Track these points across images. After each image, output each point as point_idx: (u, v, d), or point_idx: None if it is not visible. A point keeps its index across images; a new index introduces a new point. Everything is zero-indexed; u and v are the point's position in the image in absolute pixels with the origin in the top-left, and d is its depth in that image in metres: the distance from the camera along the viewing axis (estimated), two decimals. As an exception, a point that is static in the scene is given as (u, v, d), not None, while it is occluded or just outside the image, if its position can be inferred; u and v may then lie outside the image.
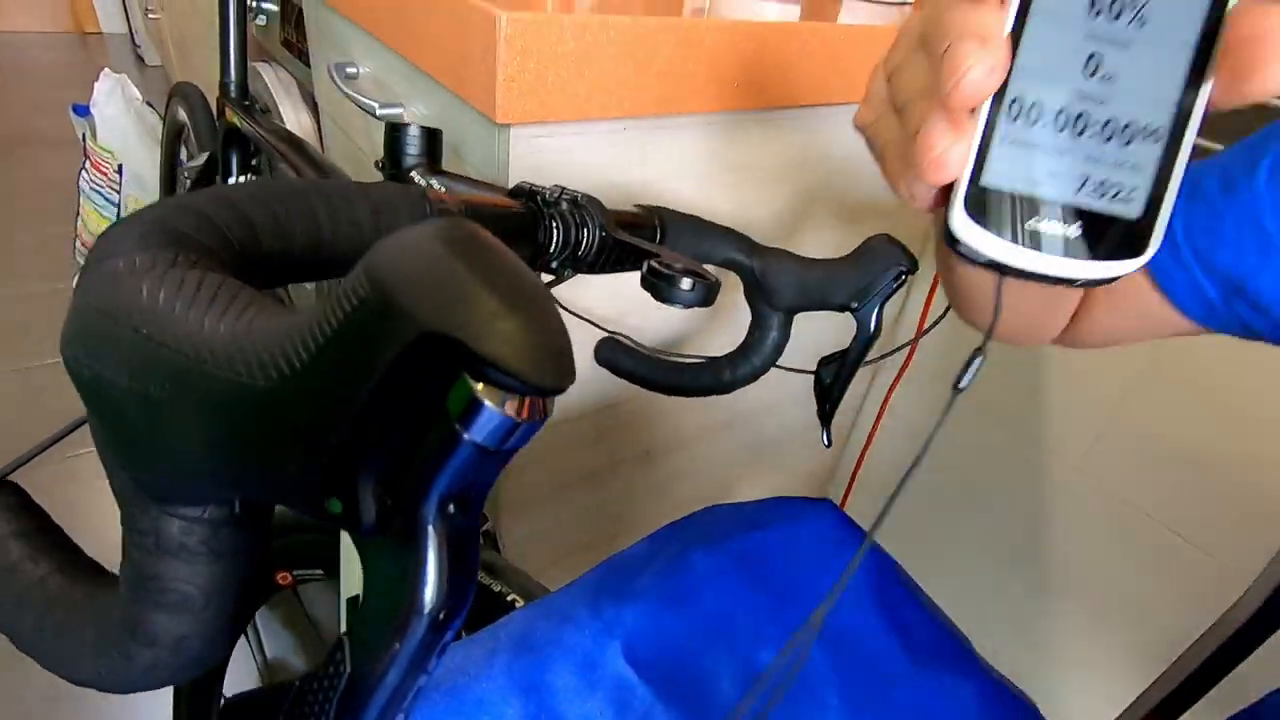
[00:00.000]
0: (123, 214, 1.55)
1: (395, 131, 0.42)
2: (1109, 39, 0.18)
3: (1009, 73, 0.18)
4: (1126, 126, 0.18)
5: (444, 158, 0.44)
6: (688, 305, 0.35)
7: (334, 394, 0.12)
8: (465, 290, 0.11)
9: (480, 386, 0.12)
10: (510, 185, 0.55)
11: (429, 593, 0.14)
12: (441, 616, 0.14)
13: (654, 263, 0.36)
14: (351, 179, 0.62)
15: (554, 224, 0.37)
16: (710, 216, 0.70)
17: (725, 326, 0.77)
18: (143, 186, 1.57)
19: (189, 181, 0.97)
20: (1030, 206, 0.18)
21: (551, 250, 0.37)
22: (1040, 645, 0.94)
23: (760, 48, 0.58)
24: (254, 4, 0.96)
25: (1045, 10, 0.17)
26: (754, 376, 0.55)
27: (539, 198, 0.38)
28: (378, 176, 0.80)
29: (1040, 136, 0.18)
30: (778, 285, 0.54)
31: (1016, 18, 0.18)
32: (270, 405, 0.13)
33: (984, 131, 0.18)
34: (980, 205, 0.18)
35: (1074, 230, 0.18)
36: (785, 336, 0.55)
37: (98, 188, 1.56)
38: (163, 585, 0.17)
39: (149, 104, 1.64)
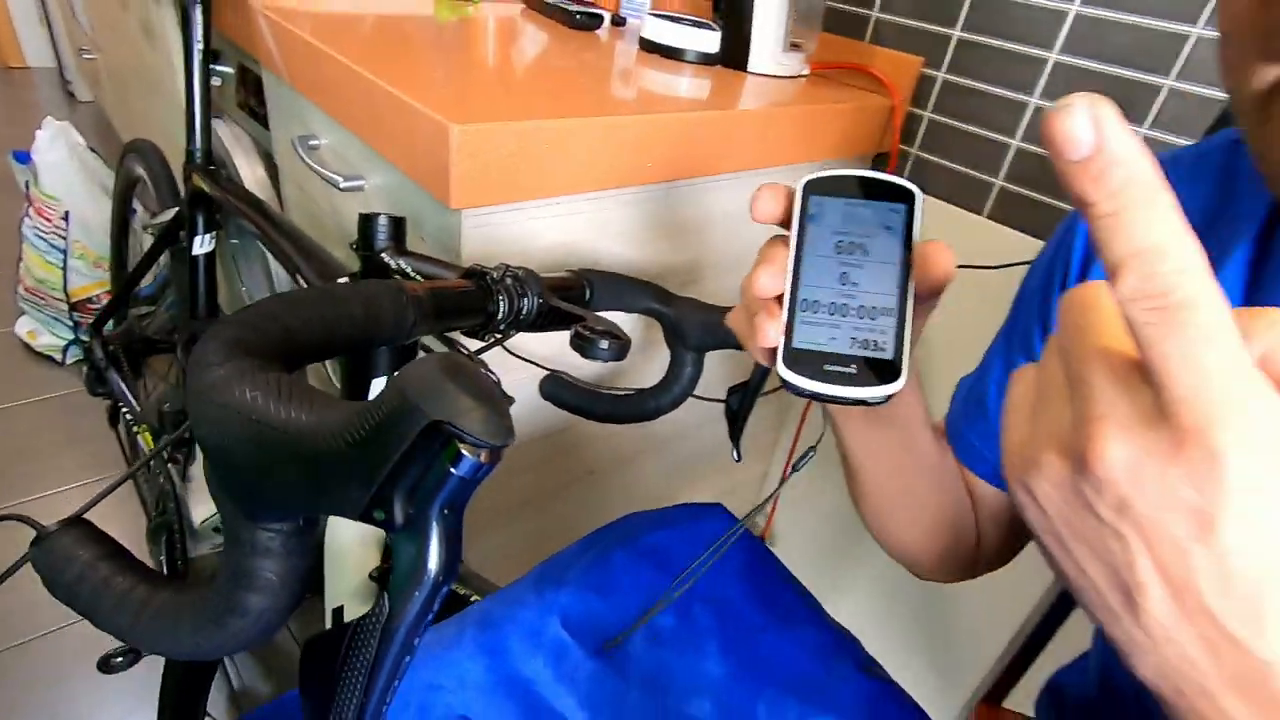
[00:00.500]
0: (71, 260, 1.58)
1: (367, 221, 0.51)
2: (851, 264, 0.31)
3: (799, 284, 0.32)
4: (871, 308, 0.31)
5: (406, 231, 0.53)
6: (606, 360, 0.46)
7: (383, 454, 0.22)
8: (453, 397, 0.21)
9: (463, 446, 0.22)
10: (463, 253, 0.65)
11: (434, 561, 0.23)
12: (441, 578, 0.24)
13: (579, 327, 0.46)
14: (314, 240, 0.70)
15: (500, 297, 0.47)
16: (634, 272, 0.81)
17: (651, 362, 0.88)
18: (90, 234, 1.59)
19: (152, 236, 1.03)
20: (823, 358, 0.31)
21: (499, 318, 0.47)
22: (942, 670, 1.08)
23: (667, 134, 0.70)
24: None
25: (812, 253, 0.32)
26: (674, 405, 0.65)
27: (487, 277, 0.48)
28: (337, 232, 0.89)
29: (821, 319, 0.31)
30: (689, 329, 0.65)
31: (797, 257, 0.32)
32: (344, 460, 0.22)
33: (789, 319, 0.31)
34: (794, 360, 0.31)
35: (853, 370, 0.31)
36: (698, 371, 0.65)
37: (42, 234, 1.58)
38: (255, 575, 0.26)
39: (93, 150, 1.66)
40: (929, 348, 0.98)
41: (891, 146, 0.95)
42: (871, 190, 0.33)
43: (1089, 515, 0.20)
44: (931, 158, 0.95)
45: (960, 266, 0.89)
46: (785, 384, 0.32)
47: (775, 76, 0.94)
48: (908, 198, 0.33)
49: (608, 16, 1.10)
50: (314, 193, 0.89)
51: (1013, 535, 0.52)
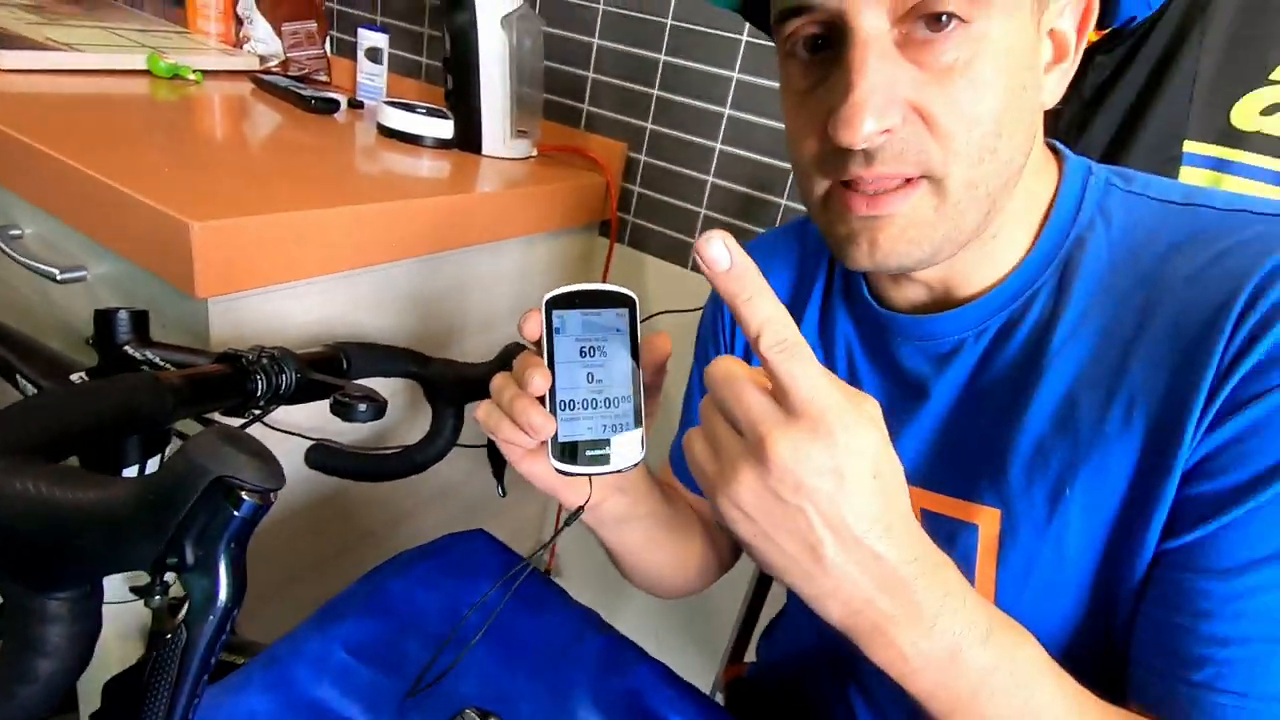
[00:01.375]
0: None
1: (106, 317, 0.52)
2: (594, 365, 0.41)
3: (556, 389, 0.39)
4: (615, 398, 0.41)
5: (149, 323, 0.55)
6: (365, 421, 0.53)
7: (174, 510, 0.28)
8: (232, 455, 0.28)
9: (243, 492, 0.29)
10: (213, 339, 0.67)
11: (224, 590, 0.30)
12: (231, 604, 0.30)
13: (337, 395, 0.53)
14: (32, 337, 0.67)
15: (257, 377, 0.51)
16: (392, 339, 0.88)
17: (417, 421, 0.94)
18: None
19: None
20: (587, 444, 0.40)
21: (257, 396, 0.52)
22: (712, 651, 1.25)
23: (413, 215, 0.79)
24: None
25: (563, 360, 0.41)
26: (439, 457, 0.71)
27: (243, 359, 0.52)
28: (55, 325, 0.83)
29: (578, 414, 0.41)
30: (446, 386, 0.73)
31: (550, 365, 0.40)
32: (136, 522, 0.28)
33: (557, 416, 0.40)
34: (561, 452, 0.40)
35: (611, 450, 0.41)
36: (460, 423, 0.72)
37: None
38: (44, 641, 0.30)
39: None
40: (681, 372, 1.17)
41: (611, 216, 1.13)
42: (600, 300, 0.41)
43: (778, 502, 0.29)
44: (645, 223, 1.15)
45: (674, 311, 1.08)
46: (558, 471, 0.41)
47: (506, 159, 1.08)
48: (629, 302, 0.41)
49: (344, 101, 1.16)
50: (16, 284, 0.83)
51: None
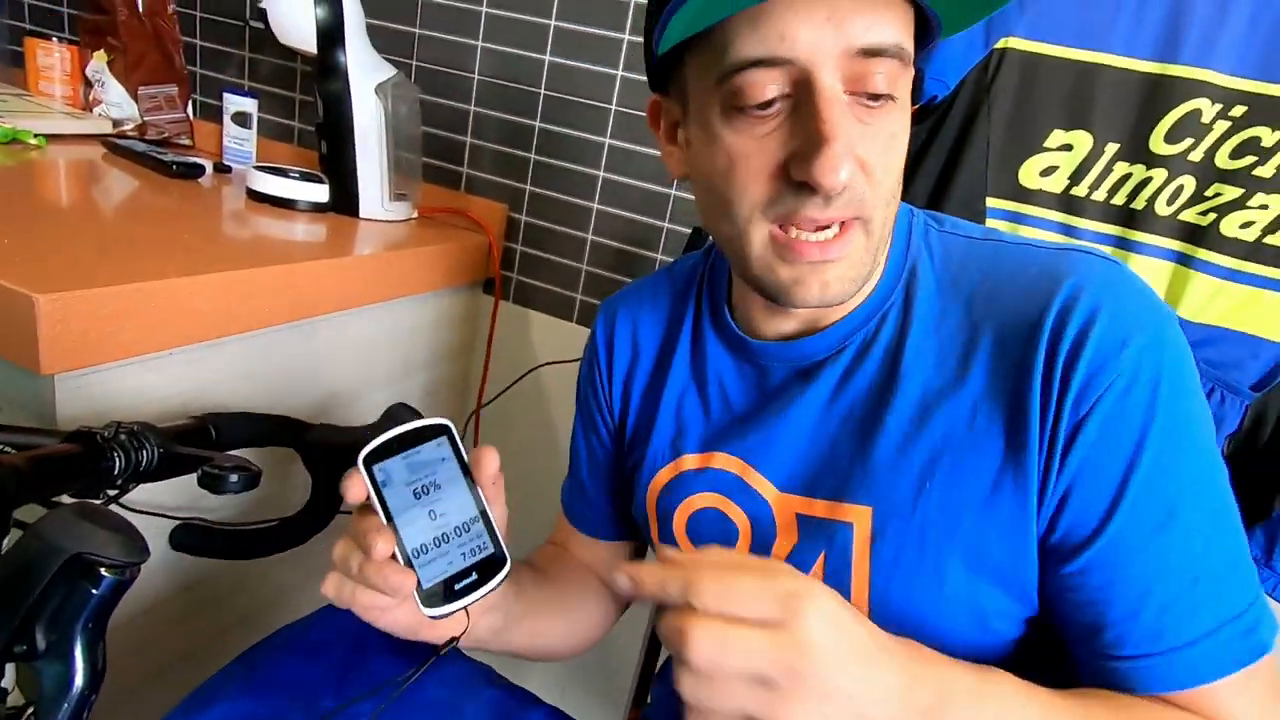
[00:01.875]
0: None
1: (-69, 400, 0.49)
2: (431, 501, 0.41)
3: (403, 540, 0.39)
4: (463, 524, 0.42)
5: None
6: (238, 492, 0.51)
7: (23, 594, 0.27)
8: (89, 531, 0.28)
9: (103, 568, 0.28)
10: (61, 417, 0.63)
11: (80, 676, 0.28)
12: (87, 691, 0.29)
13: (206, 467, 0.51)
14: None
15: (114, 454, 0.48)
16: (268, 407, 0.85)
17: (298, 491, 0.90)
18: None
19: None
20: (452, 579, 0.40)
21: (116, 474, 0.49)
22: (616, 701, 1.25)
23: (287, 280, 0.78)
24: None
25: (400, 510, 0.40)
26: (323, 526, 0.69)
27: (97, 436, 0.49)
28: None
29: (433, 555, 0.40)
30: (326, 452, 0.71)
31: (389, 519, 0.39)
32: None
33: (414, 566, 0.40)
34: (429, 597, 0.40)
35: (476, 575, 0.41)
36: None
37: None
38: None
39: None
40: (552, 430, 1.19)
41: (494, 274, 1.16)
42: (416, 438, 0.41)
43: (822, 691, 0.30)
44: (529, 280, 1.18)
45: (559, 362, 1.11)
46: (430, 618, 0.41)
47: (386, 221, 1.08)
48: (445, 430, 0.42)
49: (210, 165, 1.13)
50: None
51: None
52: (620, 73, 1.04)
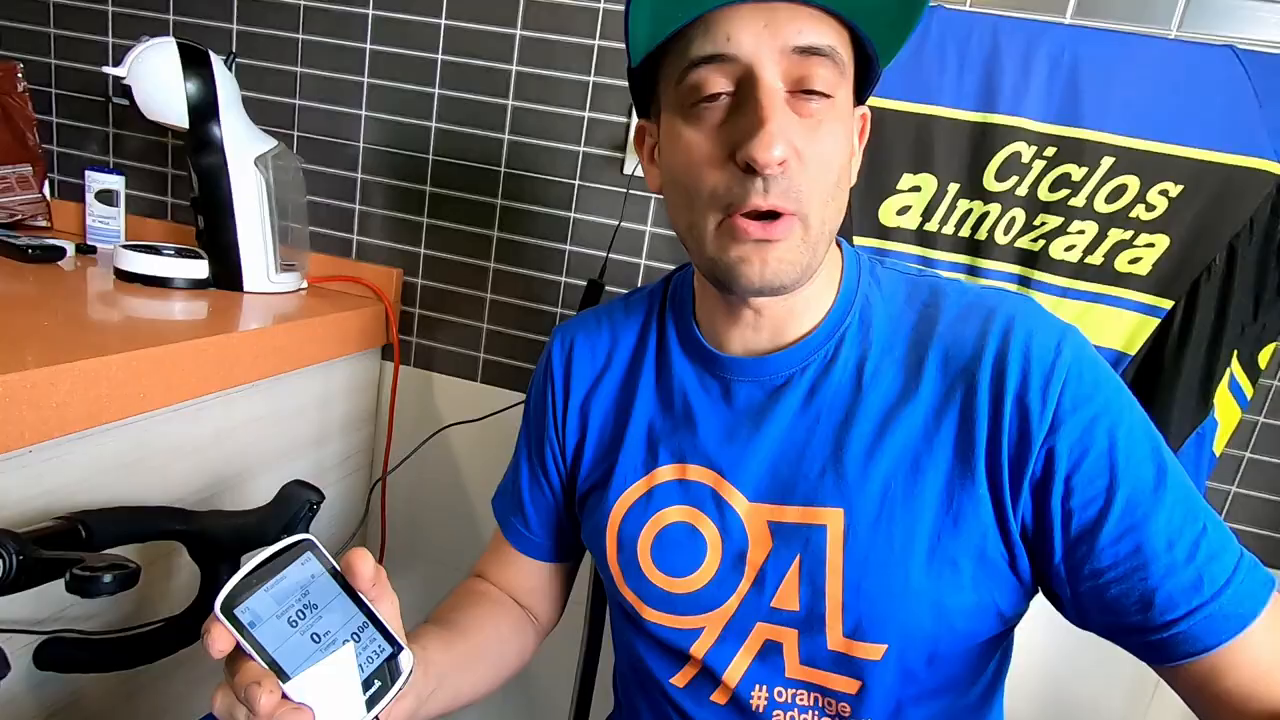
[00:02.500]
0: None
1: None
2: (312, 621, 0.38)
3: (291, 677, 0.36)
4: (353, 633, 0.40)
5: None
6: (113, 593, 0.47)
7: None
8: None
9: None
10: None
11: None
12: None
13: (75, 570, 0.47)
14: None
15: None
16: (152, 498, 0.79)
17: (187, 579, 0.84)
18: None
19: None
20: (361, 691, 0.38)
21: None
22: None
23: (165, 362, 0.74)
24: None
25: (279, 646, 0.37)
26: None
27: None
28: None
29: (329, 673, 0.37)
30: (218, 539, 0.67)
31: (272, 662, 0.36)
32: None
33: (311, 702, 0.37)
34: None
35: (379, 682, 0.39)
36: None
37: None
38: None
39: None
40: (462, 492, 1.16)
41: (393, 339, 1.14)
42: (276, 564, 0.39)
43: None
44: (429, 343, 1.17)
45: (462, 422, 1.10)
46: None
47: (273, 293, 1.05)
48: (305, 544, 0.40)
49: (71, 247, 1.06)
50: None
51: (563, 594, 0.71)
52: (508, 136, 1.07)
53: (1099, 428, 0.45)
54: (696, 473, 0.55)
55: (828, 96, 0.45)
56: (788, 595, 0.51)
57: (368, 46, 1.09)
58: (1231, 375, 0.83)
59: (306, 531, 0.71)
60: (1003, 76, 0.80)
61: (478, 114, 1.08)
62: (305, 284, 1.12)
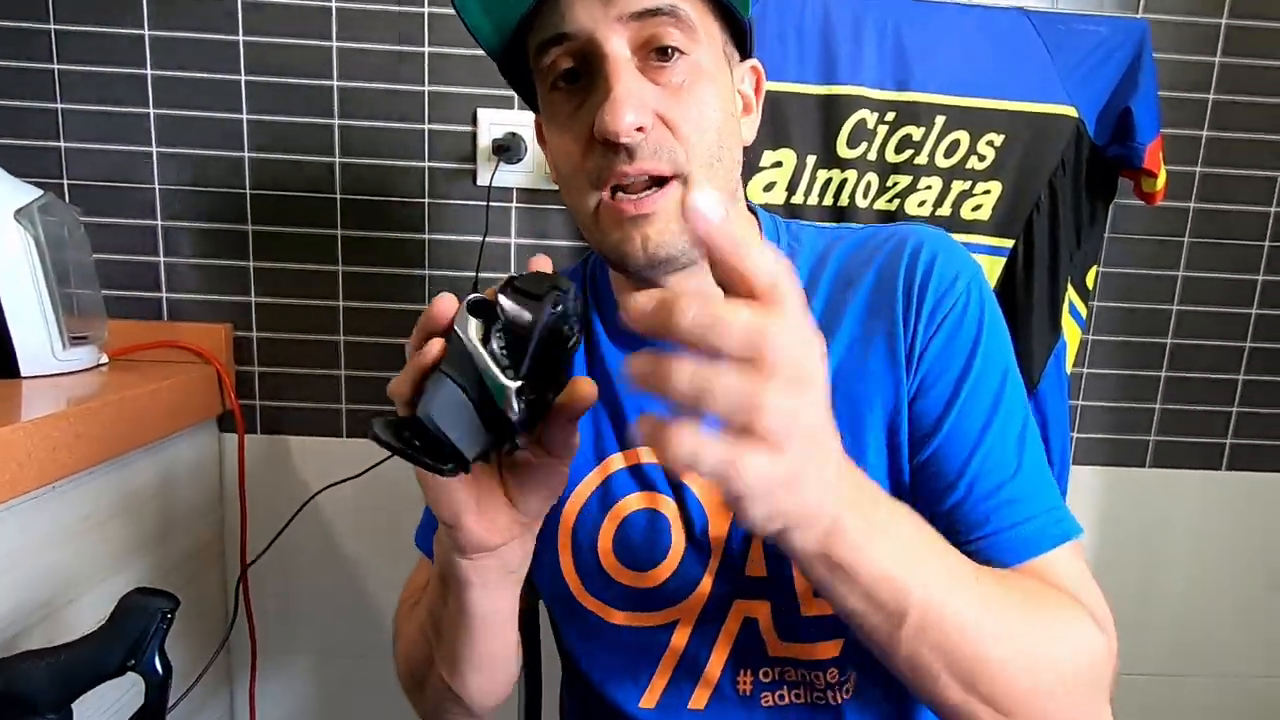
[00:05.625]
0: None
1: None
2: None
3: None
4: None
5: None
6: None
7: None
8: None
9: None
10: None
11: None
12: None
13: None
14: None
15: None
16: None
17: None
18: None
19: None
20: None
21: None
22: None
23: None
24: None
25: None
26: None
27: None
28: None
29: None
30: (34, 691, 0.52)
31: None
32: None
33: None
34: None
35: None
36: None
37: None
38: None
39: None
40: (351, 563, 1.01)
41: (231, 406, 0.97)
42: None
43: (793, 401, 0.26)
44: (278, 403, 1.01)
45: (334, 484, 0.95)
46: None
47: (62, 374, 0.85)
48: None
49: None
50: None
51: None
52: (339, 159, 0.97)
53: (957, 362, 0.48)
54: (647, 454, 0.52)
55: (684, 54, 0.44)
56: (755, 561, 0.50)
57: (148, 72, 0.94)
58: (1069, 301, 0.92)
59: (161, 649, 0.57)
60: (839, 47, 0.84)
61: (299, 138, 0.96)
62: (105, 358, 0.93)
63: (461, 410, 0.35)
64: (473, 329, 0.35)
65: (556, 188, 0.96)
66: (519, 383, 0.35)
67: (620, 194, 0.45)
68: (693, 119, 0.44)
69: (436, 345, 0.36)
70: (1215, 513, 1.09)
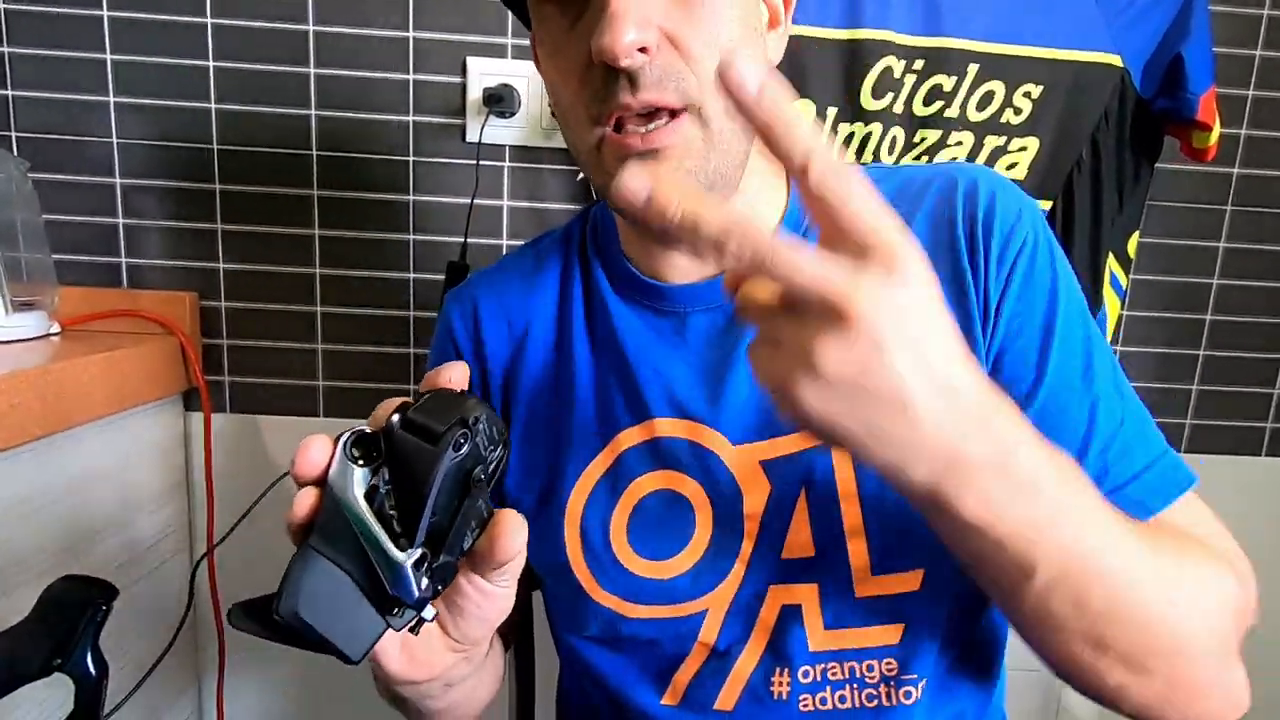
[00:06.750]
0: None
1: None
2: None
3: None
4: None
5: None
6: None
7: None
8: None
9: None
10: None
11: None
12: None
13: None
14: None
15: None
16: None
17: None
18: None
19: None
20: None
21: None
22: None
23: None
24: None
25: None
26: None
27: None
28: None
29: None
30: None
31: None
32: None
33: None
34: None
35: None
36: None
37: None
38: None
39: None
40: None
41: (197, 381, 0.89)
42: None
43: (867, 368, 0.25)
44: (249, 379, 0.94)
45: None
46: None
47: (9, 341, 0.77)
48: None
49: None
50: None
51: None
52: (315, 111, 0.88)
53: (1040, 309, 0.43)
54: (667, 426, 0.46)
55: None
56: (798, 541, 0.43)
57: (104, 13, 0.85)
58: (1110, 270, 0.85)
59: (94, 646, 0.50)
60: (865, -13, 0.77)
61: (272, 88, 0.88)
62: (56, 327, 0.84)
63: (340, 596, 0.28)
64: (355, 482, 0.28)
65: (554, 146, 0.91)
66: (416, 553, 0.28)
67: (625, 128, 0.39)
68: (705, 35, 0.38)
69: (305, 504, 0.29)
70: (1255, 501, 1.03)
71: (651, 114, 0.38)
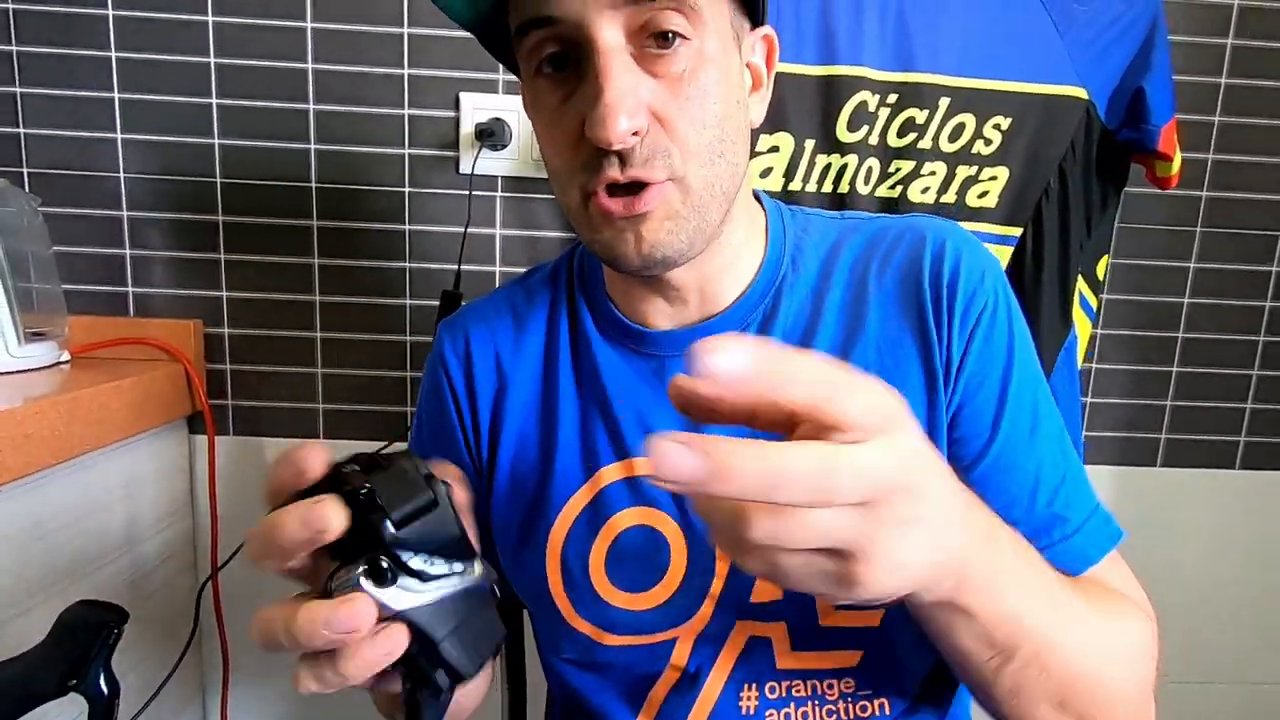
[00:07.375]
0: None
1: None
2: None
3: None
4: None
5: None
6: None
7: None
8: None
9: None
10: None
11: None
12: None
13: None
14: None
15: None
16: None
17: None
18: None
19: None
20: None
21: None
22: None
23: None
24: None
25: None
26: None
27: None
28: None
29: None
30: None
31: None
32: None
33: None
34: None
35: None
36: None
37: None
38: None
39: None
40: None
41: (201, 405, 0.92)
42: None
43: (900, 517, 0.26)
44: (251, 403, 0.97)
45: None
46: None
47: (20, 371, 0.81)
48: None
49: None
50: None
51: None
52: (314, 146, 0.92)
53: (997, 369, 0.45)
54: (645, 465, 0.47)
55: (686, 39, 0.39)
56: (766, 586, 0.45)
57: (113, 54, 0.89)
58: (1080, 292, 0.88)
59: (107, 667, 0.53)
60: (838, 25, 0.80)
61: (272, 123, 0.91)
62: (66, 355, 0.88)
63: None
64: (406, 590, 0.32)
65: (544, 176, 0.94)
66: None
67: (607, 195, 0.41)
68: (692, 115, 0.40)
69: (400, 643, 0.31)
70: (1229, 514, 1.05)
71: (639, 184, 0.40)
